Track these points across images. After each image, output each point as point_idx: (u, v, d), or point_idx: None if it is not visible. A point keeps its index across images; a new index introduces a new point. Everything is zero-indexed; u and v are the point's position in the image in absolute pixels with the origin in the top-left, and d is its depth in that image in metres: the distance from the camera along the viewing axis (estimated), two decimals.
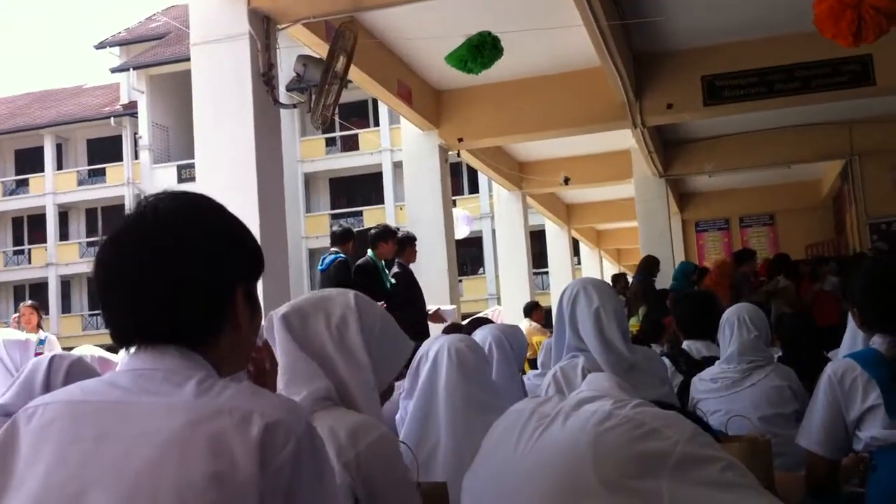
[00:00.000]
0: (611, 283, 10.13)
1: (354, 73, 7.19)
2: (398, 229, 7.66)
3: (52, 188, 32.78)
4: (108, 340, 1.32)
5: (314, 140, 30.91)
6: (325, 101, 6.29)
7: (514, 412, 1.46)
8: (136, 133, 31.28)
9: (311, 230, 30.46)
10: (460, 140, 9.69)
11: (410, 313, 6.97)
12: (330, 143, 31.44)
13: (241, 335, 1.32)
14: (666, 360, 3.93)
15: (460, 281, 13.54)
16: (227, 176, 5.98)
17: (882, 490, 2.32)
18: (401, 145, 12.20)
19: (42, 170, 33.09)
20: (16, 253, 33.97)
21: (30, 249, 33.61)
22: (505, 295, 13.26)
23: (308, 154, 31.09)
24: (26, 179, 33.81)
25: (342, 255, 6.95)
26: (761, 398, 3.44)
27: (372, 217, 28.10)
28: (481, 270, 30.20)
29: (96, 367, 2.94)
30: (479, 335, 3.26)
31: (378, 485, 1.70)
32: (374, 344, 1.89)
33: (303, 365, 1.82)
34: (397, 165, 26.31)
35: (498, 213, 13.67)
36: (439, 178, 9.50)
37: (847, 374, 2.42)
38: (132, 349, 1.27)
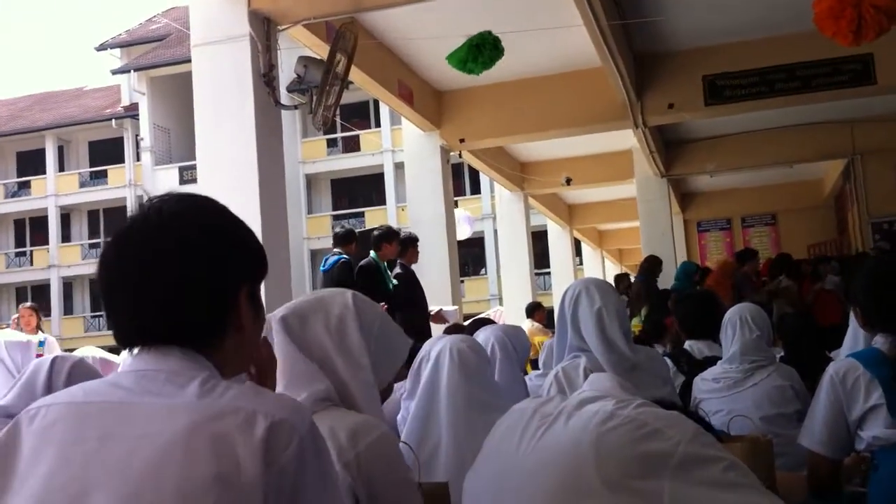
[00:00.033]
0: (613, 284, 10.12)
1: (355, 74, 7.19)
2: (400, 230, 7.67)
3: (54, 190, 32.80)
4: (110, 342, 1.33)
5: (315, 141, 30.92)
6: (326, 101, 6.29)
7: (516, 412, 1.46)
8: (137, 135, 31.31)
9: (312, 231, 30.48)
10: (462, 141, 9.69)
11: (412, 314, 6.97)
12: (331, 144, 31.45)
13: (244, 337, 1.32)
14: (668, 361, 3.93)
15: (462, 281, 13.55)
16: (228, 177, 5.99)
17: (884, 490, 2.32)
18: (402, 146, 12.21)
19: (44, 172, 33.12)
20: (18, 255, 34.00)
21: (32, 251, 33.63)
22: (507, 295, 13.26)
23: (309, 155, 31.10)
24: (28, 181, 33.83)
25: (345, 256, 6.96)
26: (763, 398, 3.44)
27: (374, 218, 28.11)
28: (483, 271, 30.20)
29: (98, 368, 2.94)
30: (482, 336, 3.27)
31: (379, 485, 1.69)
32: (374, 343, 1.88)
33: (302, 367, 1.81)
34: (399, 166, 26.32)
35: (500, 213, 13.67)
36: (441, 179, 9.50)
37: (849, 373, 2.42)
38: (135, 350, 1.28)
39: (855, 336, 2.99)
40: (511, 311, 11.34)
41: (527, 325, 10.37)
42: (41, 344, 7.29)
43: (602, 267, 20.37)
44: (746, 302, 4.25)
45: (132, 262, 1.27)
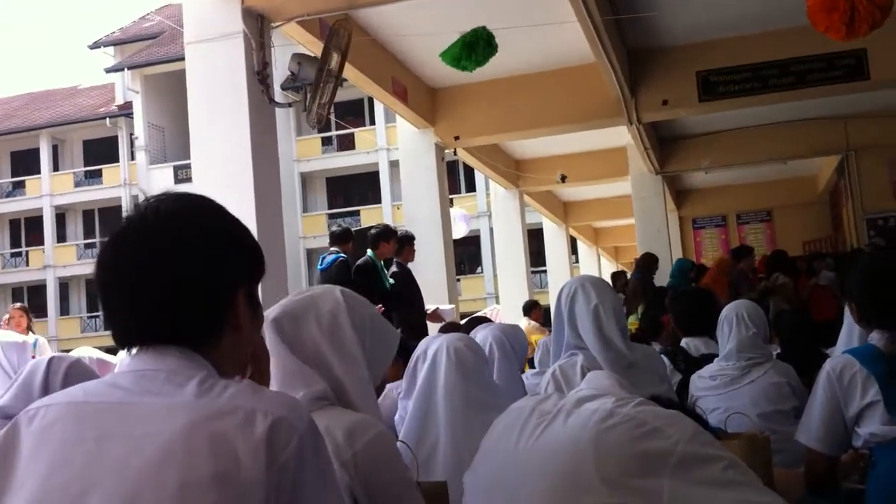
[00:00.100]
0: (610, 281, 10.12)
1: (349, 71, 7.19)
2: (397, 229, 7.66)
3: (49, 190, 32.70)
4: (107, 342, 1.33)
5: (310, 139, 30.88)
6: (321, 99, 6.28)
7: (514, 410, 1.46)
8: (132, 134, 31.23)
9: (308, 230, 30.44)
10: (456, 138, 9.68)
11: (409, 313, 6.97)
12: (326, 142, 31.42)
13: (242, 336, 1.32)
14: (664, 358, 3.93)
15: (458, 280, 13.56)
16: (223, 175, 5.97)
17: (881, 486, 2.32)
18: (397, 144, 12.21)
19: (38, 171, 33.01)
20: (13, 255, 33.92)
21: (27, 251, 33.55)
22: (503, 294, 13.26)
23: (304, 153, 31.07)
24: (23, 181, 33.72)
25: (342, 254, 6.95)
26: (760, 395, 3.44)
27: (369, 216, 28.10)
28: (479, 269, 30.20)
29: (95, 368, 2.94)
30: (481, 335, 3.26)
31: (377, 484, 1.69)
32: (367, 339, 1.88)
33: (296, 368, 1.80)
34: (394, 164, 26.30)
35: (495, 211, 13.67)
36: (436, 177, 9.49)
37: (846, 370, 2.42)
38: (133, 350, 1.28)
39: (850, 332, 2.99)
40: (508, 310, 11.35)
41: (523, 323, 10.37)
42: (33, 345, 7.23)
43: (598, 264, 20.39)
44: (743, 299, 4.25)
45: (129, 262, 1.27)
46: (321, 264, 7.02)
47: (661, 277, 10.00)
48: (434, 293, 8.44)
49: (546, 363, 4.05)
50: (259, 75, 6.08)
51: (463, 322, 6.17)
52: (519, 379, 3.39)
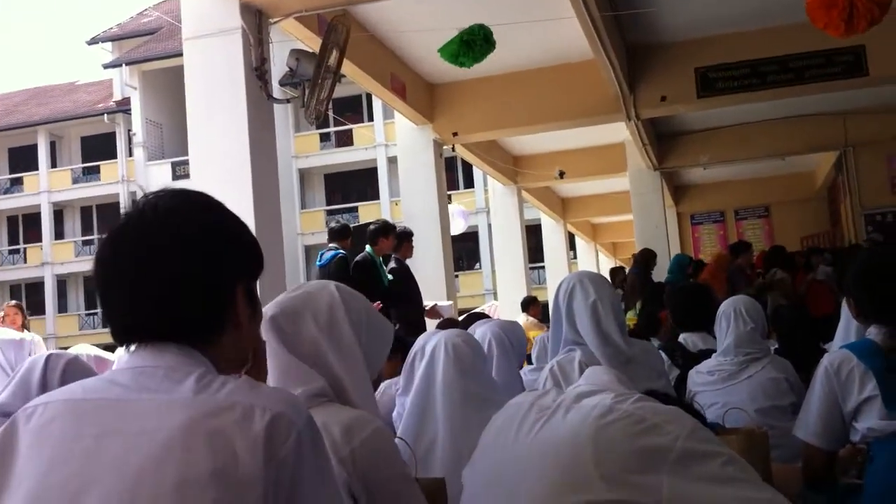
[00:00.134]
0: (609, 277, 10.13)
1: (347, 67, 7.18)
2: (395, 225, 7.65)
3: (47, 186, 32.65)
4: (105, 340, 1.33)
5: (308, 135, 30.85)
6: (319, 95, 6.27)
7: (513, 405, 1.46)
8: (129, 130, 31.17)
9: (306, 226, 30.42)
10: (455, 134, 9.67)
11: (407, 309, 6.97)
12: (324, 138, 31.40)
13: (241, 333, 1.32)
14: (662, 354, 3.93)
15: (456, 276, 13.56)
16: (221, 171, 5.96)
17: (879, 481, 2.32)
18: (395, 140, 12.19)
19: (36, 168, 32.96)
20: (11, 252, 33.88)
21: (25, 248, 33.51)
22: (501, 290, 13.26)
23: (302, 150, 31.03)
24: (20, 178, 33.68)
25: (341, 251, 6.94)
26: (758, 390, 3.44)
27: (367, 213, 28.08)
28: (477, 265, 30.18)
29: (92, 366, 2.94)
30: (479, 332, 3.26)
31: (375, 480, 1.68)
32: (364, 334, 1.88)
33: (294, 365, 1.80)
34: (392, 160, 26.31)
35: (493, 207, 13.66)
36: (434, 173, 9.48)
37: (843, 365, 2.42)
38: (132, 347, 1.27)
39: (847, 327, 2.99)
40: (506, 306, 11.36)
41: (522, 319, 10.37)
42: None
43: (596, 260, 20.40)
44: (740, 294, 4.26)
45: (128, 259, 1.27)
46: (320, 260, 7.01)
47: (660, 273, 10.00)
48: (432, 289, 8.44)
49: (543, 359, 4.06)
50: (257, 71, 6.07)
51: (461, 318, 6.17)
52: (517, 375, 3.39)
